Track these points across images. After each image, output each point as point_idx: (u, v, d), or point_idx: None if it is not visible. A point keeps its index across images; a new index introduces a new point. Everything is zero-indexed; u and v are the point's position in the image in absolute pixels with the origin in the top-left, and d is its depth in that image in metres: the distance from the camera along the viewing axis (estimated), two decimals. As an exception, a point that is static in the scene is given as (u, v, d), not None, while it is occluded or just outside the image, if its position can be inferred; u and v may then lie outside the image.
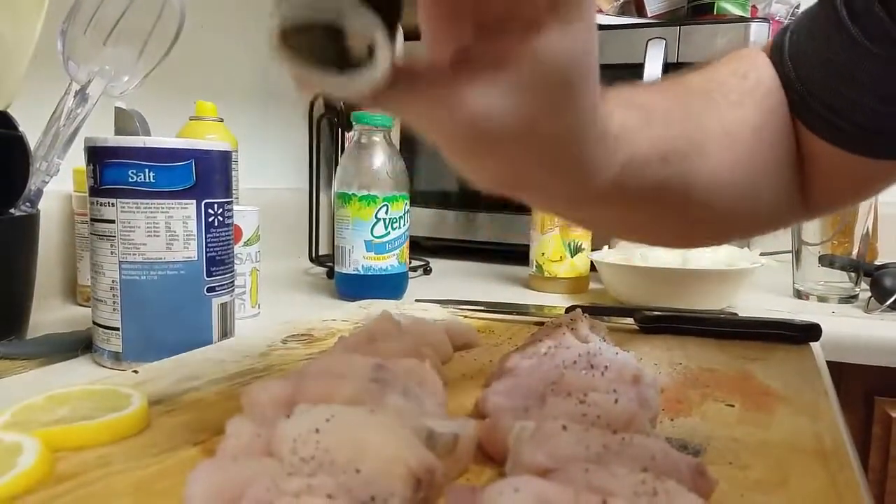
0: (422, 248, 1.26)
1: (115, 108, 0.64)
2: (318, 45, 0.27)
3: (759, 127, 0.46)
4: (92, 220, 0.56)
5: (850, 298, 0.90)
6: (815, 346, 0.64)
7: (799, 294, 0.94)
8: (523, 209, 1.03)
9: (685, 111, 0.43)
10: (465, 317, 0.73)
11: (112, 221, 0.54)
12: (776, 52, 0.49)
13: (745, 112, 0.46)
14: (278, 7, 0.26)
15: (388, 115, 0.29)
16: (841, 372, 0.75)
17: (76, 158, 0.63)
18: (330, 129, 1.25)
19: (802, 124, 0.47)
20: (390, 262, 0.86)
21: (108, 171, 0.54)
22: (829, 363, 0.66)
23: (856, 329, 0.76)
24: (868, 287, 0.86)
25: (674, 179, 0.41)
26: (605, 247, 0.96)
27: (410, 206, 0.90)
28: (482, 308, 0.76)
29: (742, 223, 0.50)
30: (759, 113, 0.46)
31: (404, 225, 0.87)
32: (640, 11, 1.21)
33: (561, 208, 0.42)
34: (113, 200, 0.54)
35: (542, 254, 0.95)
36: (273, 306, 0.82)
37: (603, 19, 1.14)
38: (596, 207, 0.40)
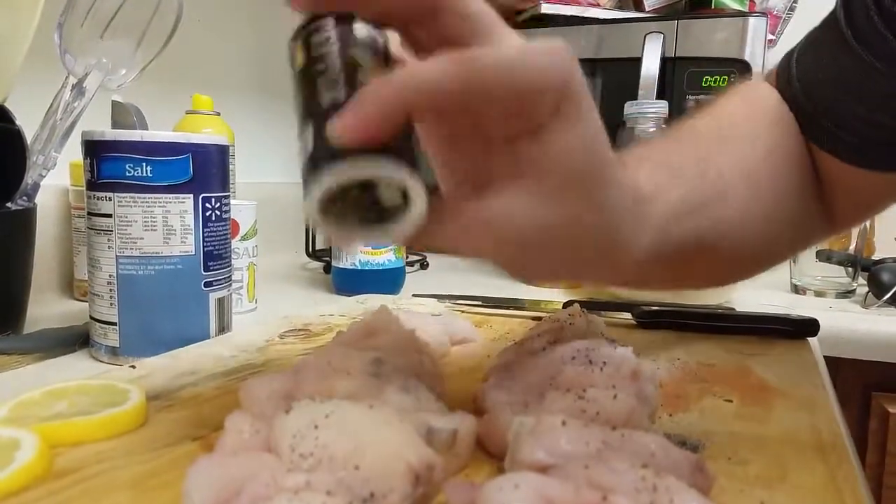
0: (419, 242, 1.25)
1: (112, 101, 0.64)
2: (353, 205, 0.29)
3: (774, 159, 0.46)
4: (89, 214, 0.56)
5: (847, 293, 0.90)
6: (812, 341, 0.64)
7: (796, 289, 0.94)
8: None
9: (701, 161, 0.44)
10: (463, 311, 0.73)
11: (109, 216, 0.54)
12: (783, 76, 0.49)
13: (757, 147, 0.46)
14: (316, 180, 0.28)
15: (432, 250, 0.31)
16: (838, 367, 0.75)
17: (73, 152, 0.63)
18: (327, 123, 1.25)
19: (815, 144, 0.48)
20: (387, 257, 0.86)
21: (105, 164, 0.54)
22: (826, 358, 0.66)
23: (853, 324, 0.76)
24: (865, 282, 0.86)
25: (703, 230, 0.41)
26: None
27: (408, 200, 0.90)
28: (479, 303, 0.76)
29: (772, 253, 0.50)
30: (770, 144, 0.47)
31: (402, 219, 0.87)
32: (638, 6, 1.21)
33: (608, 278, 0.43)
34: (110, 194, 0.54)
35: (540, 248, 0.95)
36: (270, 301, 0.82)
37: (601, 13, 1.14)
38: (640, 270, 0.40)
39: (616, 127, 1.03)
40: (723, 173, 0.44)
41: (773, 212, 0.46)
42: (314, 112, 0.29)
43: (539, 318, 0.59)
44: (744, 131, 0.47)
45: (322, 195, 0.28)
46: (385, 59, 0.31)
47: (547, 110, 0.29)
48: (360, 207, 0.29)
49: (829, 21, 0.47)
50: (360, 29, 0.30)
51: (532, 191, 0.31)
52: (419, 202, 0.28)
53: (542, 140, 0.30)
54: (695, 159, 0.44)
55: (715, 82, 1.03)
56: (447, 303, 0.77)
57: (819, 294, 0.91)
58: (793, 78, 0.49)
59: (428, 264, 1.13)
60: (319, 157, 0.28)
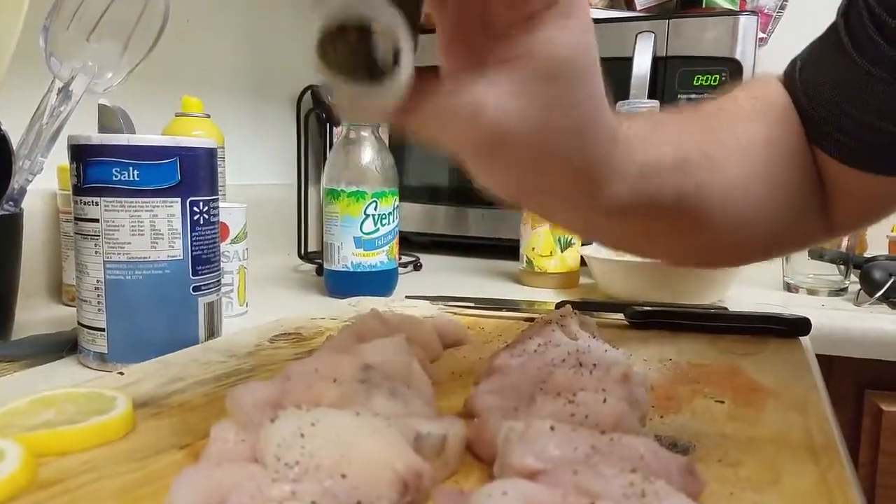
0: (412, 243, 1.25)
1: (99, 105, 0.63)
2: (350, 56, 0.29)
3: (773, 142, 0.47)
4: (76, 219, 0.55)
5: (839, 291, 0.90)
6: (804, 339, 0.64)
7: (789, 287, 0.94)
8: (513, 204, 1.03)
9: (698, 126, 0.45)
10: (455, 313, 0.73)
11: (96, 220, 0.54)
12: (789, 81, 0.50)
13: (758, 127, 0.47)
14: (316, 12, 0.29)
15: (414, 129, 0.31)
16: (831, 365, 0.75)
17: (61, 156, 0.62)
18: (318, 124, 1.24)
19: (818, 148, 0.49)
20: (380, 259, 0.86)
21: (92, 169, 0.53)
22: (819, 356, 0.66)
23: (845, 322, 0.76)
24: (857, 280, 0.86)
25: (688, 191, 0.42)
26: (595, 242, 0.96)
27: (400, 201, 0.89)
28: (472, 304, 0.76)
29: (760, 243, 0.50)
30: (772, 130, 0.47)
31: (394, 221, 0.87)
32: (629, 5, 1.21)
33: (580, 220, 0.43)
34: (97, 199, 0.54)
35: (533, 249, 0.95)
36: (261, 304, 0.81)
37: (592, 12, 1.14)
38: (613, 220, 0.40)
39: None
40: (718, 141, 0.44)
41: (764, 195, 0.47)
42: None
43: (532, 320, 0.59)
44: (747, 115, 0.48)
45: (322, 25, 0.29)
46: None
47: (540, 2, 0.30)
48: (356, 58, 0.30)
49: (831, 28, 0.48)
50: None
51: (514, 77, 0.31)
52: (407, 62, 0.29)
53: (533, 28, 0.30)
54: (688, 126, 0.44)
55: (706, 81, 1.03)
56: (440, 304, 0.77)
57: (811, 292, 0.91)
58: (797, 82, 0.50)
59: (421, 265, 1.12)
60: None
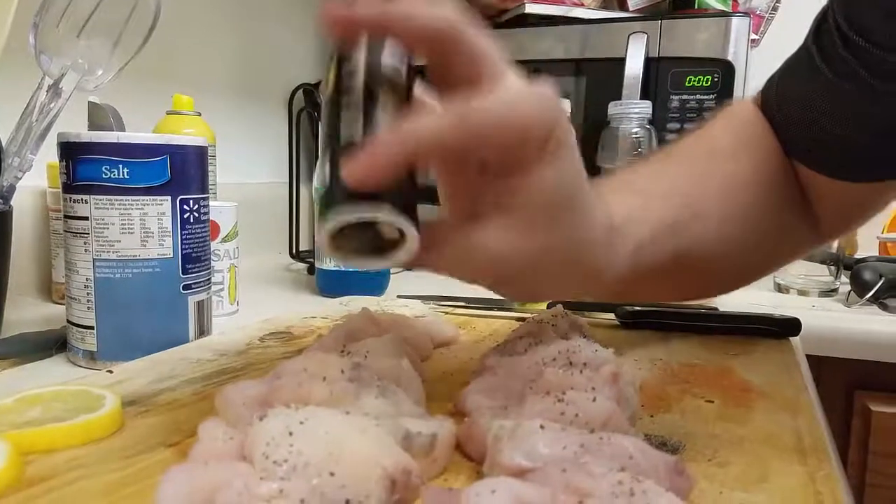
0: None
1: (89, 102, 0.63)
2: (359, 243, 0.35)
3: (758, 179, 0.50)
4: (65, 216, 0.55)
5: (830, 292, 0.90)
6: (795, 340, 0.65)
7: (779, 288, 0.94)
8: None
9: (682, 182, 0.48)
10: (447, 313, 0.73)
11: (86, 218, 0.53)
12: (765, 98, 0.53)
13: (742, 167, 0.50)
14: (326, 218, 0.33)
15: (431, 270, 0.38)
16: (821, 365, 0.76)
17: (50, 154, 0.62)
18: (310, 122, 1.24)
19: (798, 161, 0.51)
20: (371, 258, 0.86)
21: (82, 167, 0.53)
22: (809, 357, 0.66)
23: (836, 323, 0.77)
24: (848, 281, 0.87)
25: (681, 249, 0.45)
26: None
27: (392, 201, 0.89)
28: (464, 304, 0.76)
29: (758, 265, 0.54)
30: (753, 163, 0.50)
31: (385, 220, 0.87)
32: (622, 5, 1.21)
33: (592, 298, 0.51)
34: (86, 197, 0.53)
35: (525, 249, 0.95)
36: (253, 303, 0.81)
37: (585, 13, 1.14)
38: (619, 289, 0.44)
39: (600, 127, 1.03)
40: (704, 193, 0.47)
41: (755, 225, 0.49)
42: (333, 147, 0.34)
43: (523, 319, 0.59)
44: (727, 151, 0.50)
45: (330, 233, 0.33)
46: (407, 93, 0.35)
47: (533, 151, 0.34)
48: (364, 235, 0.34)
49: (804, 45, 0.50)
50: (388, 58, 0.34)
51: (509, 223, 0.35)
52: (411, 240, 0.34)
53: (524, 175, 0.34)
54: (675, 181, 0.47)
55: (698, 82, 1.03)
56: (431, 304, 0.76)
57: (802, 293, 0.92)
58: (772, 101, 0.52)
59: (413, 265, 1.12)
60: (332, 195, 0.33)
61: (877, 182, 0.49)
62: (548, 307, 0.68)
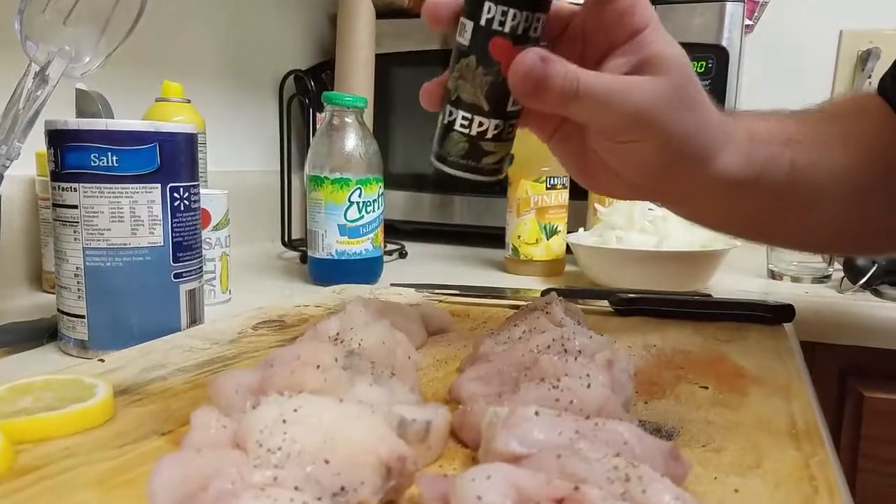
0: (397, 231, 1.25)
1: (77, 89, 0.62)
2: None
3: (880, 136, 0.51)
4: (54, 205, 0.54)
5: (823, 278, 0.91)
6: (788, 326, 0.65)
7: (773, 274, 0.94)
8: (499, 191, 1.02)
9: (803, 119, 0.50)
10: (441, 301, 0.73)
11: (75, 207, 0.53)
12: (883, 91, 0.55)
13: (865, 122, 0.52)
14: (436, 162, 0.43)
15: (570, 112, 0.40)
16: (814, 351, 0.76)
17: (38, 142, 0.61)
18: (301, 109, 1.23)
19: None
20: (364, 247, 0.85)
21: (70, 154, 0.52)
22: (802, 343, 0.66)
23: (829, 309, 0.77)
24: (841, 267, 0.87)
25: (799, 165, 0.47)
26: (581, 229, 0.96)
27: (385, 188, 0.89)
28: (458, 292, 0.75)
29: (866, 232, 0.55)
30: (879, 127, 0.52)
31: (378, 208, 0.86)
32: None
33: (699, 198, 0.49)
34: (75, 185, 0.53)
35: (519, 236, 0.95)
36: (245, 292, 0.81)
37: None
38: (730, 196, 0.47)
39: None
40: (826, 132, 0.50)
41: (869, 188, 0.50)
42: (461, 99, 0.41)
43: (517, 307, 0.59)
44: (854, 112, 0.53)
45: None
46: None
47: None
48: None
49: None
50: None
51: (641, 72, 0.40)
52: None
53: (640, 41, 0.41)
54: (794, 118, 0.50)
55: (693, 68, 1.03)
56: (425, 292, 0.76)
57: (795, 279, 0.92)
58: (887, 91, 0.53)
59: (406, 253, 1.12)
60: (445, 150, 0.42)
61: None
62: (542, 295, 0.68)
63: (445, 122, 0.42)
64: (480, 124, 0.41)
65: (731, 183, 0.45)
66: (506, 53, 0.38)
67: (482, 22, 0.38)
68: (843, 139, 0.50)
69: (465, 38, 0.40)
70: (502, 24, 0.38)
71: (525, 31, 0.38)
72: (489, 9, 0.38)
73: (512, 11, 0.38)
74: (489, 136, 0.41)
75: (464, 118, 0.41)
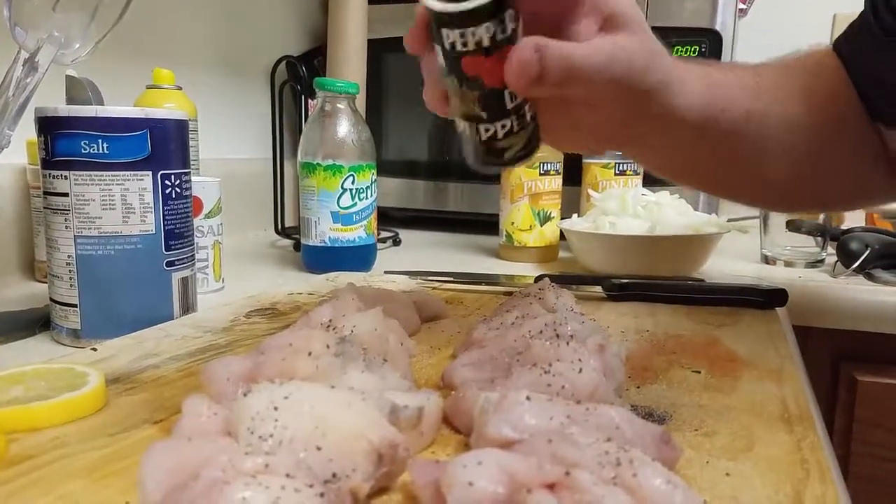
0: (391, 218, 1.24)
1: (67, 76, 0.62)
2: None
3: (834, 97, 0.53)
4: (45, 193, 0.54)
5: (816, 263, 0.91)
6: (781, 311, 0.65)
7: (766, 259, 0.94)
8: (493, 178, 1.02)
9: (758, 72, 0.52)
10: (435, 288, 0.73)
11: (66, 195, 0.53)
12: (838, 50, 0.56)
13: (821, 83, 0.53)
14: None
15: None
16: (807, 336, 0.76)
17: (29, 130, 0.60)
18: (293, 96, 1.23)
19: (879, 123, 0.54)
20: (358, 234, 0.85)
21: (60, 142, 0.52)
22: (795, 327, 0.66)
23: (822, 293, 0.77)
24: (834, 251, 0.87)
25: (755, 111, 0.49)
26: (574, 215, 0.96)
27: (378, 175, 0.88)
28: (452, 279, 0.75)
29: (810, 189, 0.56)
30: (833, 86, 0.53)
31: (371, 195, 0.86)
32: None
33: (662, 150, 0.51)
34: (66, 173, 0.52)
35: (512, 223, 0.95)
36: (238, 280, 0.81)
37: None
38: (689, 147, 0.49)
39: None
40: (780, 86, 0.51)
41: (822, 139, 0.52)
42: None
43: (510, 293, 0.59)
44: (809, 71, 0.54)
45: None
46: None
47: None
48: None
49: (862, 13, 0.54)
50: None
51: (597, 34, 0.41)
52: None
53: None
54: (750, 70, 0.52)
55: (685, 52, 1.02)
56: (419, 279, 0.76)
57: (789, 264, 0.92)
58: (841, 55, 0.55)
59: (400, 241, 1.12)
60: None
61: None
62: (535, 281, 0.68)
63: (459, 132, 0.43)
64: (487, 130, 0.41)
65: (690, 126, 0.47)
66: (481, 67, 0.38)
67: (447, 47, 0.38)
68: (801, 93, 0.52)
69: (441, 63, 0.39)
70: (465, 44, 0.37)
71: (492, 37, 0.37)
72: (447, 35, 0.37)
73: (470, 30, 0.37)
74: (500, 136, 0.41)
75: (471, 128, 0.41)
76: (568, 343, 0.38)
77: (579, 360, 0.36)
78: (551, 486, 0.25)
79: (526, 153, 0.43)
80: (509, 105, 0.40)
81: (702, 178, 0.56)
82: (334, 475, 0.28)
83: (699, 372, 0.46)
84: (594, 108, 0.43)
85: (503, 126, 0.41)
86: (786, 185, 0.54)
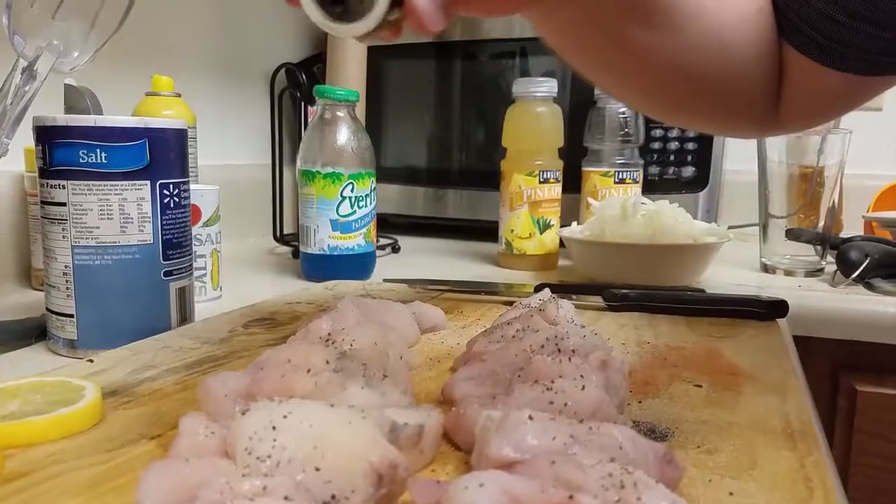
0: (390, 225, 1.24)
1: (65, 85, 0.62)
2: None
3: (751, 12, 0.50)
4: (42, 202, 0.54)
5: (816, 272, 0.91)
6: (782, 322, 0.65)
7: (766, 268, 0.94)
8: (492, 185, 1.02)
9: None
10: (434, 297, 0.72)
11: (63, 204, 0.52)
12: None
13: (741, 2, 0.50)
14: None
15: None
16: (807, 345, 0.76)
17: (27, 138, 0.60)
18: (292, 102, 1.22)
19: (781, 35, 0.51)
20: (357, 242, 0.85)
21: (58, 151, 0.52)
22: (795, 337, 0.66)
23: (822, 303, 0.77)
24: (834, 260, 0.87)
25: (667, 28, 0.47)
26: (574, 223, 0.96)
27: (377, 182, 0.88)
28: (451, 287, 0.75)
29: (722, 97, 0.52)
30: (751, 8, 0.50)
31: (371, 203, 0.86)
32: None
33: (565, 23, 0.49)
34: (63, 182, 0.52)
35: (512, 230, 0.94)
36: (236, 288, 0.80)
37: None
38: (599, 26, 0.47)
39: (587, 107, 1.02)
40: None
41: (731, 49, 0.49)
42: None
43: (510, 303, 0.59)
44: None
45: None
46: None
47: None
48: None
49: None
50: None
51: None
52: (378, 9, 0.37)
53: None
54: None
55: None
56: (418, 288, 0.76)
57: (788, 273, 0.92)
58: None
59: (399, 248, 1.11)
60: None
61: (854, 74, 0.48)
62: (535, 291, 0.68)
63: None
64: None
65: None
66: None
67: None
68: (721, 6, 0.49)
69: None
70: None
71: None
72: None
73: None
74: None
75: None
76: (570, 358, 0.37)
77: (582, 376, 0.35)
78: (554, 510, 0.25)
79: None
80: None
81: (601, 68, 0.53)
82: (333, 497, 0.27)
83: (701, 386, 0.46)
84: None
85: None
86: (685, 83, 0.51)
